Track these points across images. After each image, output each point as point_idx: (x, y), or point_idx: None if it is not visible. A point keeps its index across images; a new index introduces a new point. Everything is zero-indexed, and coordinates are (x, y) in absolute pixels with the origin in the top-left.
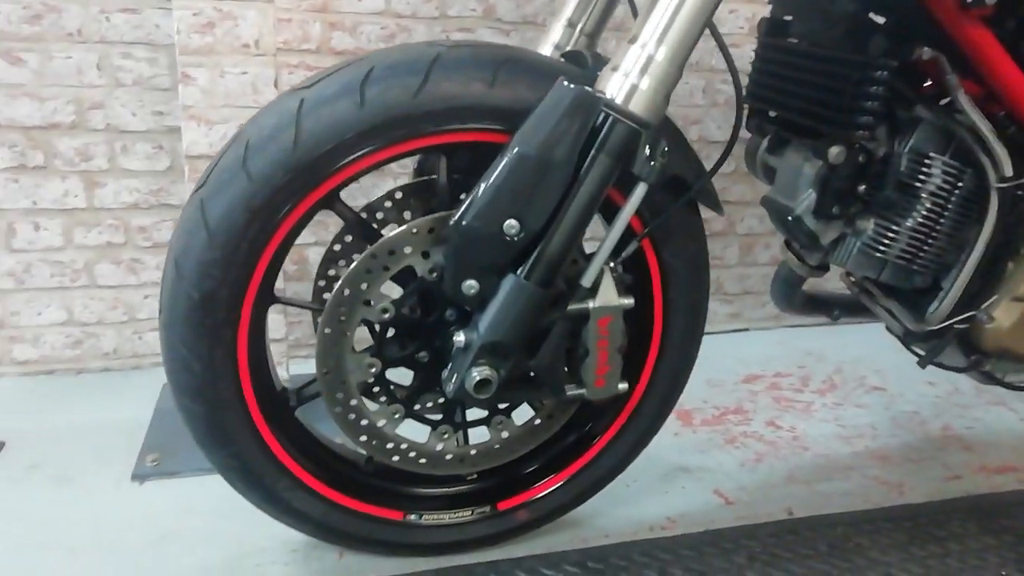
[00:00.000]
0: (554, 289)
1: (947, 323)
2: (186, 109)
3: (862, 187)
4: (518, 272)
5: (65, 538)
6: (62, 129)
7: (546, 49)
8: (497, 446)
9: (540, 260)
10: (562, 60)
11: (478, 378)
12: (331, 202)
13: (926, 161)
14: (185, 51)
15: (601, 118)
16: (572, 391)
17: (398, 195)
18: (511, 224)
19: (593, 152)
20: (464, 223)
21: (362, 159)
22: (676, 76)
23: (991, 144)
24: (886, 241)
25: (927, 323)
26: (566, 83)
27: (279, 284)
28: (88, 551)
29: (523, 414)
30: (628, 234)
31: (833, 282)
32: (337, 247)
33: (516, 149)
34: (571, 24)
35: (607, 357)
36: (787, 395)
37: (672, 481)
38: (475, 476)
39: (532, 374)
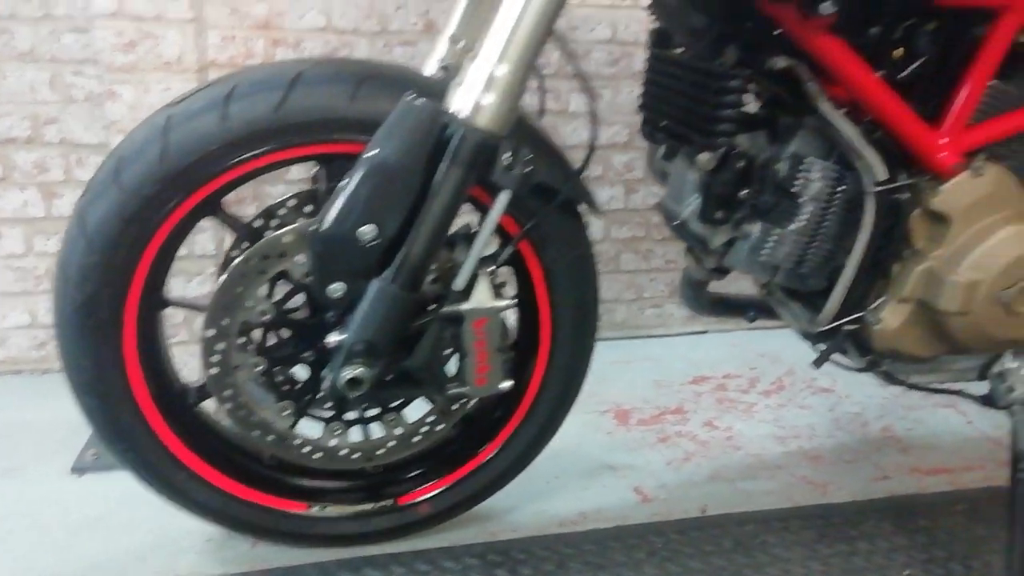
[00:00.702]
0: (421, 292)
1: (836, 324)
2: (113, 124)
3: (744, 192)
4: (383, 276)
5: (2, 523)
6: (19, 144)
7: (430, 64)
8: (392, 442)
9: (403, 265)
10: (431, 74)
11: (348, 377)
12: (210, 211)
13: (805, 166)
14: (111, 69)
15: (450, 130)
16: (454, 389)
17: (292, 202)
18: (365, 230)
19: (443, 163)
20: (321, 230)
21: (230, 170)
22: (520, 87)
23: (860, 149)
24: (771, 245)
25: (817, 324)
26: (410, 98)
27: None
28: (22, 535)
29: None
30: (507, 237)
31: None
32: (235, 253)
33: (366, 159)
34: (454, 40)
35: (486, 357)
36: (732, 396)
37: (594, 478)
38: (379, 470)
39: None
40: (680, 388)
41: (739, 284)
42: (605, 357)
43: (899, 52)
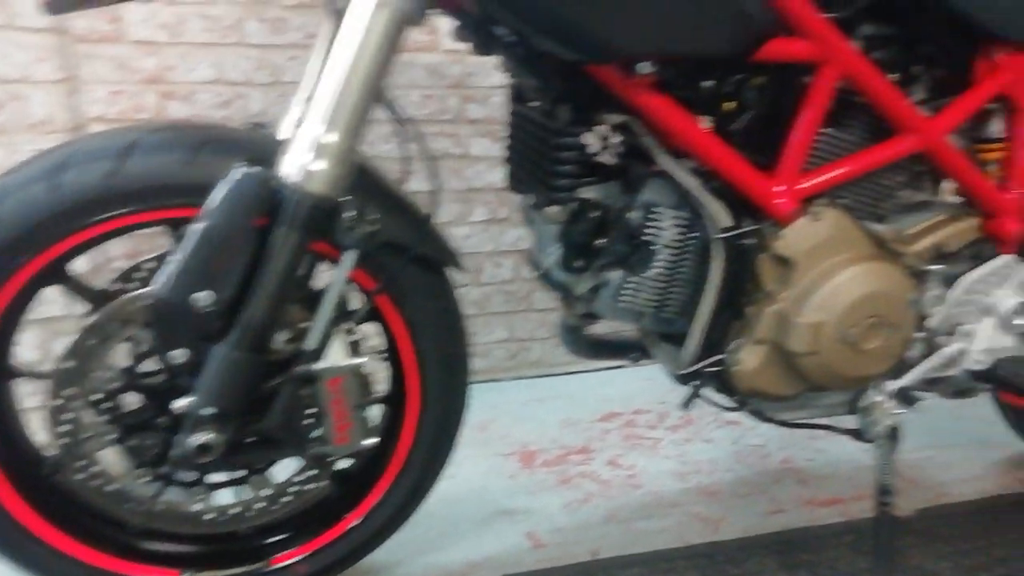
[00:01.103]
0: (271, 352)
1: (697, 367)
2: None
3: (601, 241)
4: (226, 340)
5: None
6: None
7: (286, 126)
8: (261, 503)
9: (244, 329)
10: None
11: (196, 444)
12: (53, 279)
13: (656, 214)
14: None
15: (284, 195)
16: (316, 448)
17: (149, 265)
18: (199, 297)
19: (278, 227)
20: (156, 296)
21: (67, 239)
22: (350, 151)
23: (701, 198)
24: (630, 292)
25: (679, 367)
26: (240, 167)
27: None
28: None
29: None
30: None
31: None
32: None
33: (197, 226)
34: (308, 100)
35: (345, 415)
36: (639, 432)
37: (489, 525)
38: (252, 531)
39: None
40: (589, 426)
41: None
42: (519, 396)
43: (730, 105)
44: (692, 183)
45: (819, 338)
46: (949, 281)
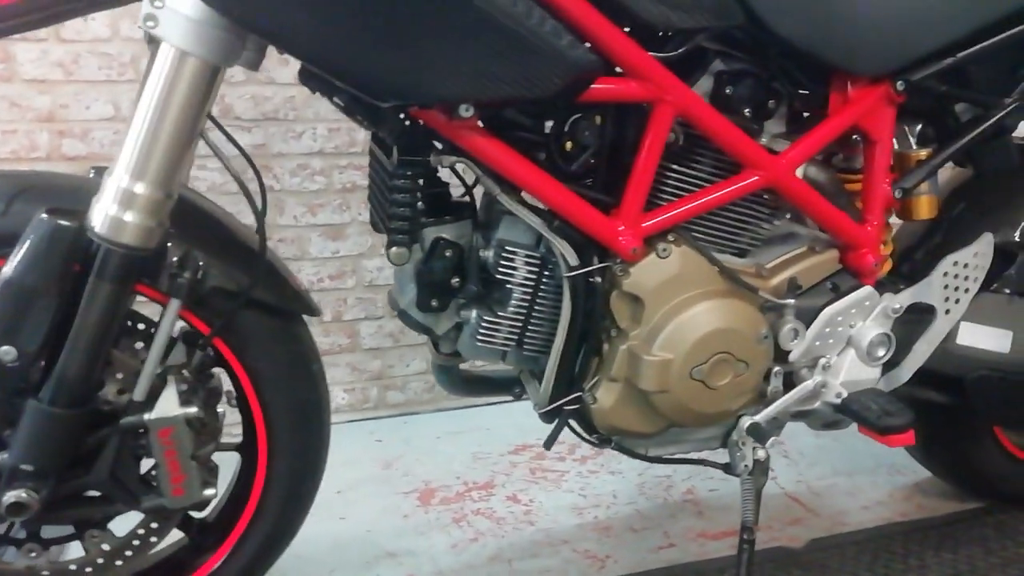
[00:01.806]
0: (94, 405)
1: (555, 405)
2: None
3: (456, 280)
4: (40, 395)
5: None
6: None
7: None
8: (100, 559)
9: (58, 382)
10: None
11: (10, 502)
12: None
13: (509, 253)
14: None
15: (95, 246)
16: (150, 501)
17: None
18: (2, 351)
19: (91, 277)
20: None
21: None
22: (160, 200)
23: (547, 237)
24: (487, 331)
25: (538, 404)
26: (44, 216)
27: None
28: None
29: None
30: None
31: None
32: None
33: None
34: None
35: (179, 466)
36: (546, 465)
37: (370, 569)
38: None
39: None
40: (498, 459)
41: None
42: (433, 430)
43: (571, 144)
44: (536, 222)
45: (667, 376)
46: (810, 314)
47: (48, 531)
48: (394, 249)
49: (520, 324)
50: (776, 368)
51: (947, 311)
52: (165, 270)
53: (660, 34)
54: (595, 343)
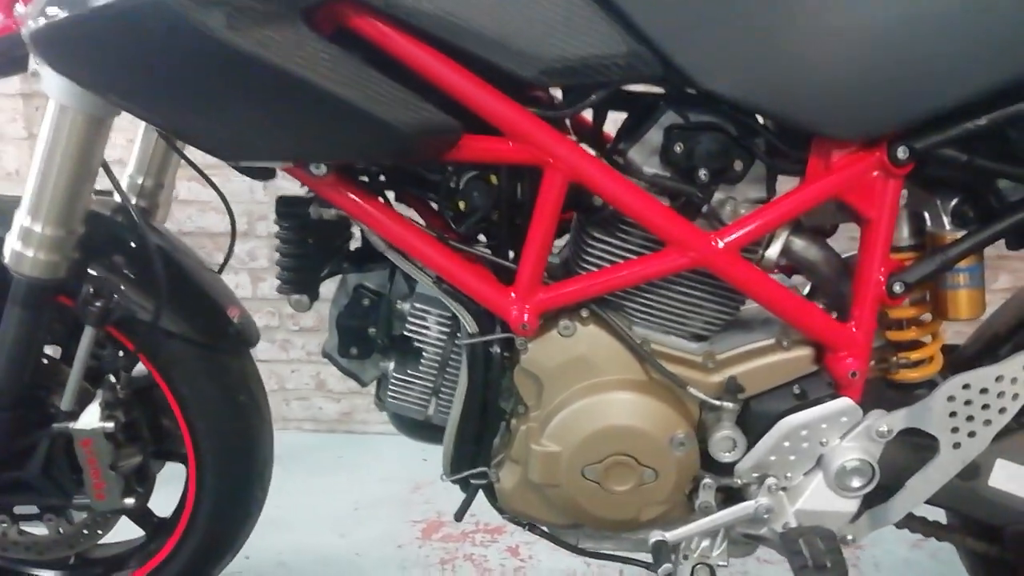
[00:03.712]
0: (16, 411)
1: (460, 476)
2: None
3: (372, 330)
4: None
5: None
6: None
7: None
8: (57, 539)
9: None
10: None
11: None
12: None
13: (419, 311)
14: None
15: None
16: (80, 500)
17: None
18: None
19: (8, 302)
20: None
21: None
22: (63, 235)
23: (443, 299)
24: (397, 388)
25: (444, 472)
26: None
27: None
28: None
29: None
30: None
31: None
32: None
33: None
34: (134, 175)
35: (99, 474)
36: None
37: None
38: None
39: None
40: None
41: None
42: None
43: (462, 205)
44: (426, 281)
45: (555, 470)
46: (763, 422)
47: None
48: (294, 297)
49: (431, 386)
50: (707, 480)
51: (955, 445)
52: (81, 297)
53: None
54: (497, 418)
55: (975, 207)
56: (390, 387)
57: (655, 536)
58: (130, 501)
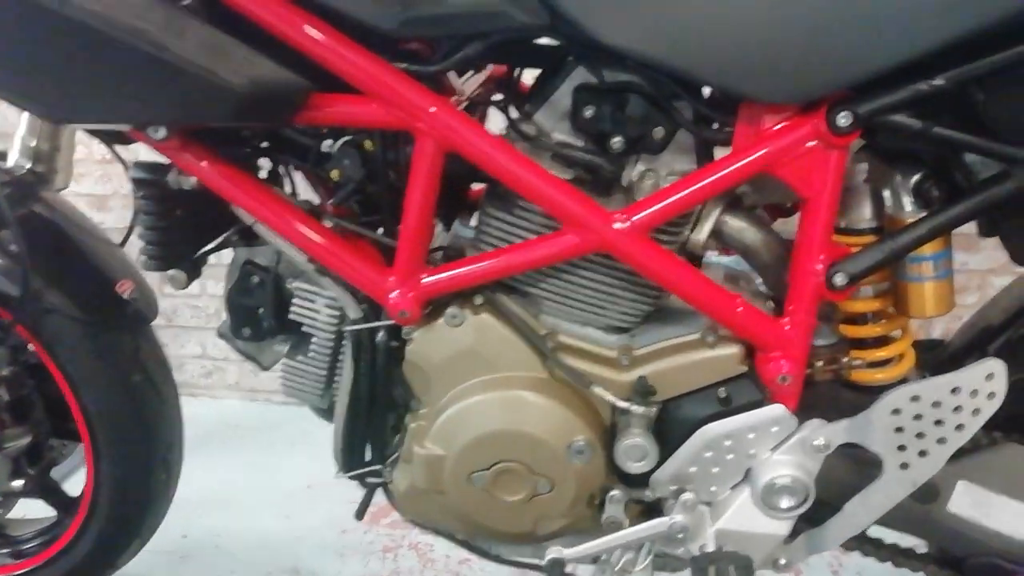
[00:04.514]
0: None
1: (354, 474)
2: None
3: (261, 310)
4: None
5: None
6: None
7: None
8: None
9: None
10: None
11: None
12: None
13: (306, 295)
14: None
15: None
16: None
17: None
18: None
19: None
20: None
21: None
22: None
23: (319, 282)
24: (289, 375)
25: (339, 468)
26: None
27: None
28: None
29: None
30: None
31: None
32: None
33: None
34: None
35: None
36: None
37: None
38: None
39: None
40: None
41: None
42: None
43: (335, 174)
44: (300, 260)
45: (439, 475)
46: (683, 428)
47: None
48: (170, 273)
49: (324, 374)
50: (615, 492)
51: (903, 465)
52: None
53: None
54: (395, 411)
55: (940, 186)
56: (282, 373)
57: (551, 553)
58: (18, 483)
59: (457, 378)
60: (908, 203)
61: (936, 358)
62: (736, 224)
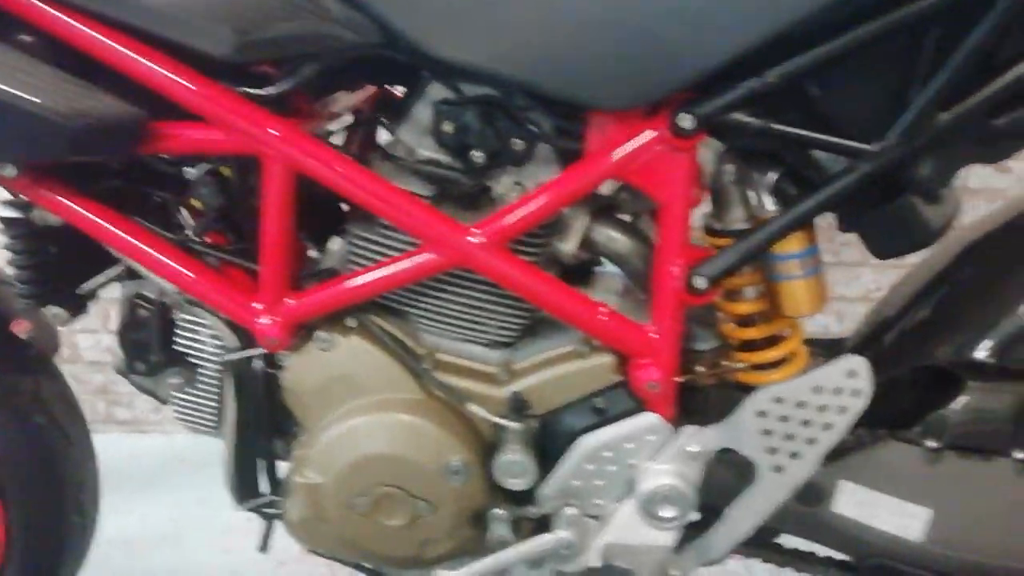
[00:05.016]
0: None
1: (250, 506)
2: None
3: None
4: None
5: None
6: None
7: None
8: None
9: None
10: None
11: None
12: None
13: (191, 325)
14: None
15: None
16: None
17: None
18: None
19: None
20: None
21: None
22: None
23: (186, 312)
24: (180, 407)
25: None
26: None
27: None
28: None
29: None
30: None
31: None
32: None
33: None
34: None
35: None
36: None
37: None
38: None
39: None
40: None
41: None
42: None
43: (197, 202)
44: (168, 289)
45: (319, 503)
46: (562, 442)
47: None
48: (52, 310)
49: (214, 406)
50: (498, 511)
51: (777, 468)
52: None
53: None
54: (272, 440)
55: (797, 184)
56: (174, 405)
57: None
58: None
59: (332, 403)
60: (769, 202)
61: (835, 356)
62: (605, 233)
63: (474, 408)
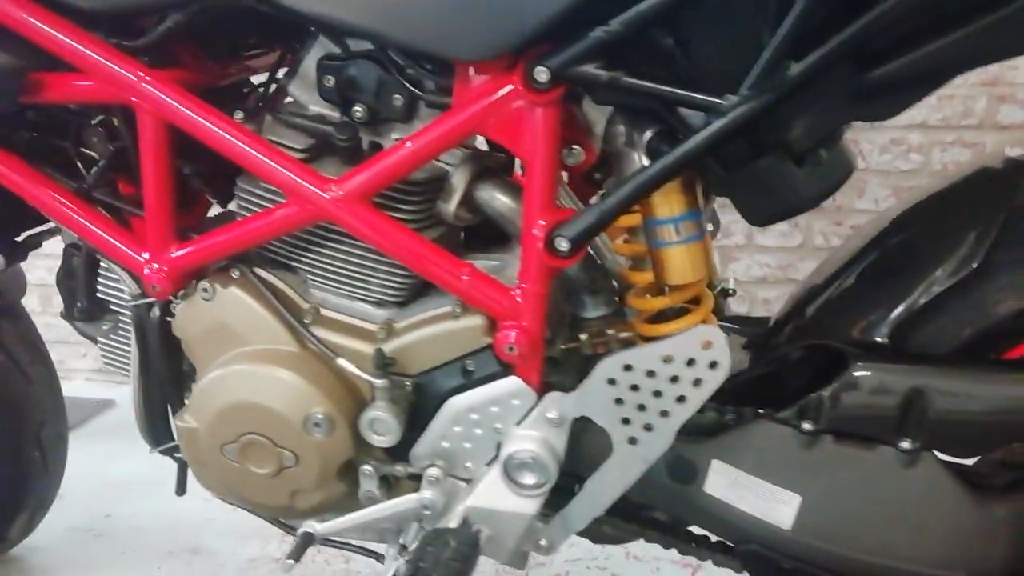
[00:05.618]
0: None
1: (162, 448)
2: None
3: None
4: None
5: None
6: None
7: None
8: None
9: None
10: None
11: None
12: None
13: (110, 272)
14: None
15: None
16: None
17: None
18: None
19: None
20: None
21: None
22: None
23: (97, 256)
24: (105, 353)
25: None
26: None
27: None
28: None
29: None
30: None
31: None
32: None
33: None
34: None
35: None
36: None
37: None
38: None
39: None
40: None
41: None
42: None
43: (89, 152)
44: (75, 238)
45: (196, 448)
46: (434, 402)
47: None
48: None
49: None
50: (366, 467)
51: (631, 440)
52: None
53: None
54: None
55: (669, 142)
56: (101, 349)
57: (304, 527)
58: None
59: (214, 351)
60: (641, 160)
61: (760, 333)
62: (487, 193)
63: (343, 363)
